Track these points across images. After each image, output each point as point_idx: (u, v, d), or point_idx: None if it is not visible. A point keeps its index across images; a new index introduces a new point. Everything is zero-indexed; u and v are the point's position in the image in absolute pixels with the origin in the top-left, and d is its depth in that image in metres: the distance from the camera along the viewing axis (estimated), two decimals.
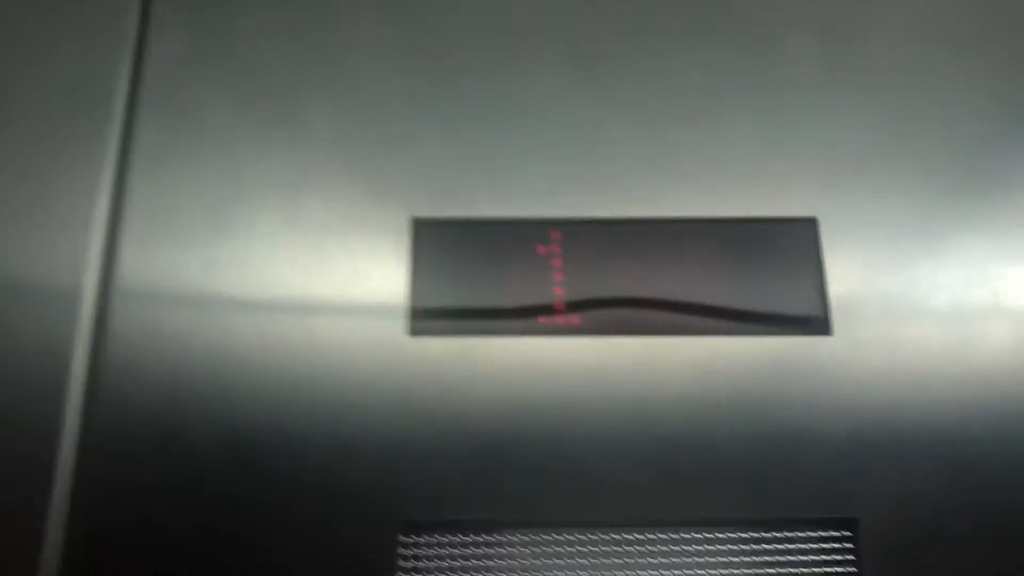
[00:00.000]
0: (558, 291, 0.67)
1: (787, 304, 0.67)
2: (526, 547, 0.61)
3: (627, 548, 0.61)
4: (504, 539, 0.61)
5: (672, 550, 0.61)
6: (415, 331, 0.65)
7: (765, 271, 0.67)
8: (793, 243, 0.68)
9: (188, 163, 0.68)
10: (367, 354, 0.64)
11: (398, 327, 0.65)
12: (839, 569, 0.61)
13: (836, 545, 0.61)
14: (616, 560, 0.61)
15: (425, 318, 0.66)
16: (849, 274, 0.67)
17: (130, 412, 0.62)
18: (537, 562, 0.61)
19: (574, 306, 0.66)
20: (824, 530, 0.62)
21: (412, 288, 0.66)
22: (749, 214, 0.68)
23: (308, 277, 0.66)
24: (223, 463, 0.61)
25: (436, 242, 0.68)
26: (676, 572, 0.61)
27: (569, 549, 0.61)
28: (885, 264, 0.67)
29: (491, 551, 0.61)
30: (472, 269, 0.67)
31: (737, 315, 0.66)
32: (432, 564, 0.61)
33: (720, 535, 0.62)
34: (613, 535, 0.61)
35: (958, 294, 0.67)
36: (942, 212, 0.69)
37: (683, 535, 0.62)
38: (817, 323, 0.66)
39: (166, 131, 0.69)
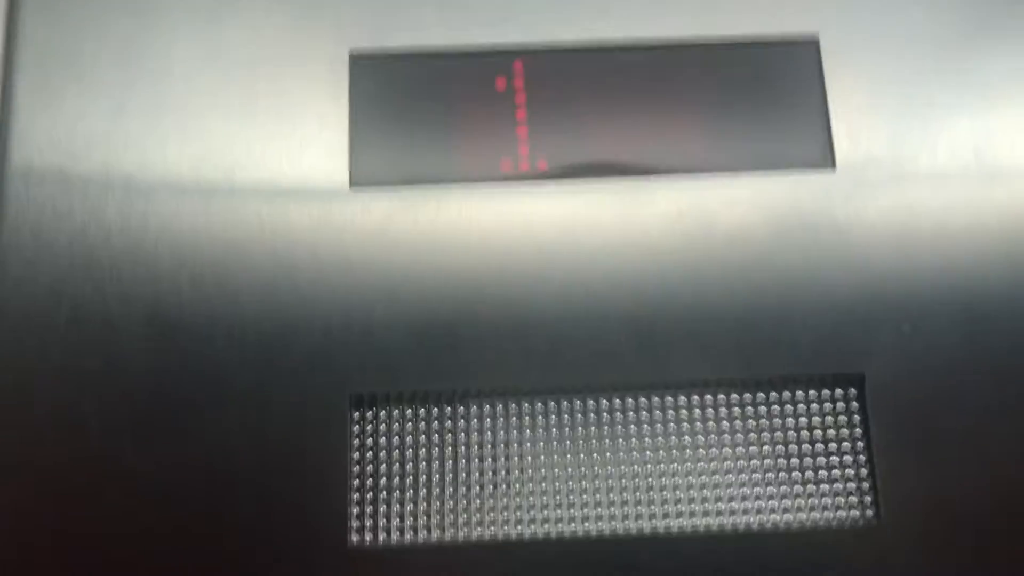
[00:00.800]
0: (522, 131, 0.58)
1: (784, 136, 0.58)
2: (488, 419, 0.54)
3: (606, 415, 0.54)
4: (463, 410, 0.55)
5: (659, 415, 0.54)
6: (357, 182, 0.57)
7: (760, 99, 0.58)
8: (791, 66, 0.59)
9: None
10: (303, 210, 0.56)
11: (337, 178, 0.57)
12: (844, 430, 0.54)
13: (841, 404, 0.54)
14: (594, 428, 0.54)
15: (368, 167, 0.57)
16: (854, 100, 0.58)
17: (38, 287, 0.55)
18: (502, 434, 0.54)
19: (541, 147, 0.58)
20: (828, 388, 0.55)
21: (352, 133, 0.57)
22: (741, 33, 0.59)
23: (232, 123, 0.57)
24: (144, 341, 0.53)
25: (378, 79, 0.58)
26: (664, 439, 0.54)
27: (539, 419, 0.54)
28: (895, 88, 0.58)
29: (449, 424, 0.54)
30: (421, 109, 0.58)
31: (728, 149, 0.57)
32: (385, 440, 0.54)
33: (712, 396, 0.54)
34: (589, 400, 0.54)
35: (980, 122, 0.58)
36: (964, 24, 0.59)
37: (670, 398, 0.54)
38: (819, 156, 0.57)
39: None
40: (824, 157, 0.57)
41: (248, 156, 0.57)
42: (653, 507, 0.53)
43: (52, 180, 0.56)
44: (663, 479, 0.53)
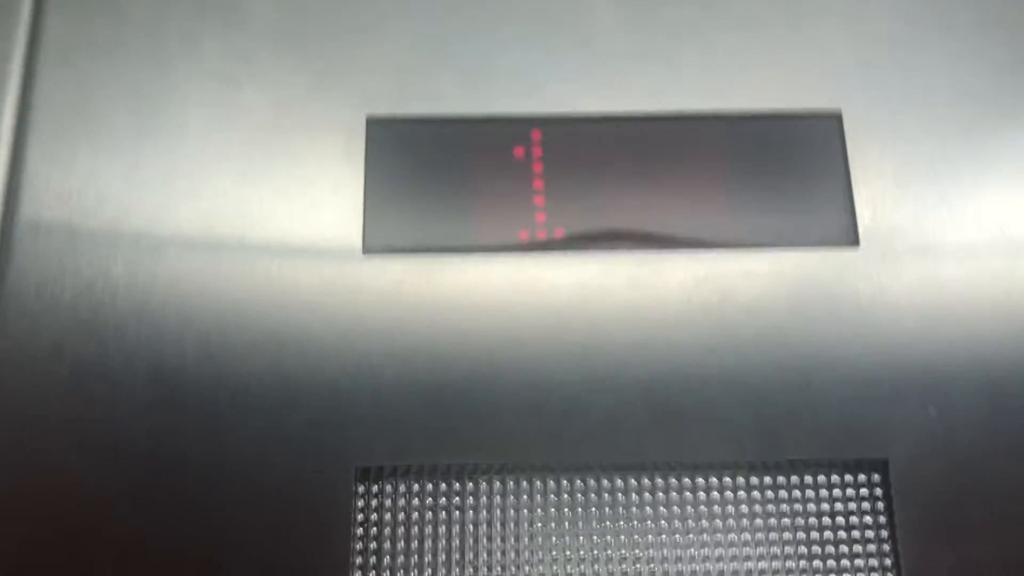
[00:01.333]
0: (539, 200, 0.57)
1: (807, 212, 0.57)
2: (498, 496, 0.52)
3: (620, 495, 0.52)
4: (471, 487, 0.53)
5: (675, 497, 0.52)
6: (370, 248, 0.55)
7: (781, 174, 0.58)
8: (814, 141, 0.58)
9: (107, 54, 0.58)
10: (315, 275, 0.55)
11: (351, 244, 0.56)
12: (868, 517, 0.52)
13: (865, 489, 0.52)
14: (608, 509, 0.52)
15: (382, 233, 0.56)
16: (878, 175, 0.57)
17: (40, 342, 0.53)
18: (512, 513, 0.52)
19: (558, 216, 0.57)
20: (851, 473, 0.53)
21: (367, 198, 0.56)
22: (762, 108, 0.58)
23: (245, 184, 0.56)
24: (147, 404, 0.52)
25: (395, 144, 0.58)
26: (681, 521, 0.52)
27: (551, 497, 0.52)
28: (920, 165, 0.58)
29: (457, 500, 0.52)
30: (437, 176, 0.57)
31: (748, 225, 0.56)
32: (390, 516, 0.52)
33: (731, 479, 0.53)
34: (603, 479, 0.52)
35: (1006, 196, 0.57)
36: (989, 98, 0.59)
37: (687, 479, 0.53)
38: (842, 233, 0.56)
39: (79, 22, 0.59)
40: (847, 233, 0.56)
41: (260, 217, 0.56)
42: None
43: (60, 235, 0.55)
44: (679, 564, 0.51)
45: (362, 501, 0.52)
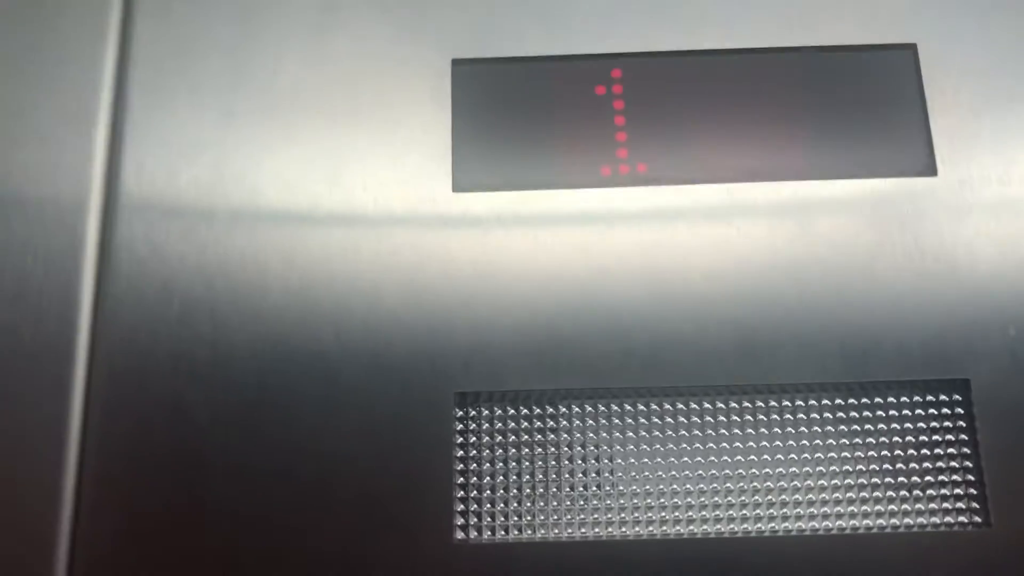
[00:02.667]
0: (621, 136, 0.59)
1: (885, 143, 0.58)
2: (590, 419, 0.55)
3: (708, 418, 0.54)
4: (564, 410, 0.55)
5: (761, 419, 0.54)
6: (459, 186, 0.58)
7: (858, 106, 0.59)
8: (889, 73, 0.59)
9: (202, 4, 0.61)
10: (407, 214, 0.57)
11: (441, 183, 0.58)
12: (950, 436, 0.54)
13: (947, 409, 0.54)
14: (696, 432, 0.54)
15: (470, 172, 0.58)
16: (955, 106, 0.58)
17: (150, 283, 0.56)
18: (604, 435, 0.54)
19: (640, 153, 0.58)
20: (932, 393, 0.54)
21: (454, 139, 0.58)
22: (838, 41, 0.59)
23: (338, 129, 0.58)
24: (253, 340, 0.54)
25: (480, 86, 0.60)
26: (769, 443, 0.53)
27: (640, 421, 0.54)
28: (996, 93, 0.58)
29: (551, 423, 0.55)
30: (522, 115, 0.59)
31: (828, 156, 0.58)
32: (488, 439, 0.54)
33: (817, 401, 0.54)
34: (690, 404, 0.54)
35: None
36: None
37: (773, 402, 0.54)
38: (920, 163, 0.57)
39: None
40: (925, 163, 0.57)
41: (353, 159, 0.58)
42: (758, 510, 0.53)
43: (164, 180, 0.57)
44: (767, 482, 0.53)
45: (461, 425, 0.54)
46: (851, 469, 0.53)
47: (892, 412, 0.54)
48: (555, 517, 0.53)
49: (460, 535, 0.52)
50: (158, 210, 0.57)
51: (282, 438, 0.53)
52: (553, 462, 0.54)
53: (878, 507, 0.53)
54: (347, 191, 0.57)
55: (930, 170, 0.57)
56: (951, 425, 0.54)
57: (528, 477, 0.54)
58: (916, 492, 0.53)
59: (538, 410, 0.55)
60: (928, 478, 0.53)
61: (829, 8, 0.60)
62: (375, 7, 0.60)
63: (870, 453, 0.54)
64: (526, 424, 0.55)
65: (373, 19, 0.60)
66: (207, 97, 0.59)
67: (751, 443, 0.54)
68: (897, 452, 0.54)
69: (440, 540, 0.52)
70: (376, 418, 0.53)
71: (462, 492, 0.53)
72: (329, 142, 0.58)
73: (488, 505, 0.53)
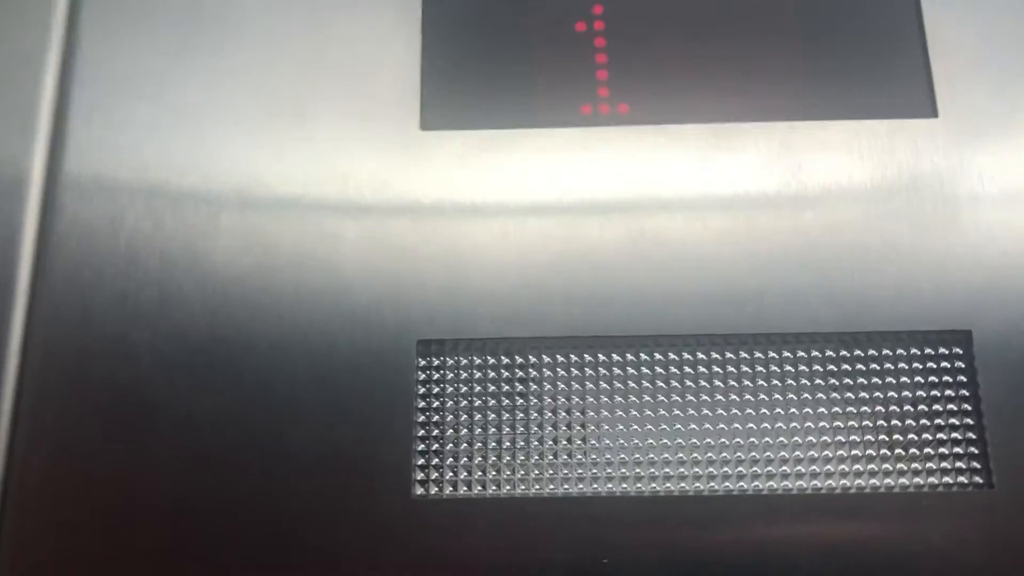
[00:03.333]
0: (602, 74, 0.55)
1: (883, 82, 0.54)
2: (561, 370, 0.51)
3: (688, 369, 0.50)
4: (534, 360, 0.51)
5: (747, 371, 0.50)
6: (429, 124, 0.54)
7: (854, 45, 0.55)
8: (889, 11, 0.56)
9: None
10: (374, 153, 0.54)
11: (408, 120, 0.54)
12: (950, 391, 0.50)
13: (947, 364, 0.50)
14: (675, 383, 0.50)
15: (440, 109, 0.54)
16: (957, 49, 0.55)
17: (97, 220, 0.52)
18: (576, 386, 0.51)
19: (622, 92, 0.55)
20: (932, 346, 0.50)
21: (424, 74, 0.55)
22: None
23: (303, 64, 0.55)
24: (204, 281, 0.51)
25: (452, 17, 0.56)
26: (753, 396, 0.50)
27: (615, 372, 0.51)
28: (999, 36, 0.55)
29: (519, 373, 0.51)
30: (496, 51, 0.56)
31: (822, 96, 0.54)
32: (452, 389, 0.51)
33: (806, 353, 0.51)
34: (670, 355, 0.51)
35: None
36: None
37: (759, 354, 0.50)
38: (920, 103, 0.54)
39: None
40: (925, 104, 0.54)
41: (318, 95, 0.54)
42: (741, 467, 0.49)
43: (116, 117, 0.54)
44: (751, 438, 0.49)
45: (423, 375, 0.50)
46: (843, 425, 0.49)
47: (888, 365, 0.50)
48: (522, 473, 0.49)
49: (419, 490, 0.48)
50: (108, 147, 0.54)
51: (231, 384, 0.49)
52: (521, 415, 0.50)
53: (872, 466, 0.49)
54: (309, 128, 0.54)
55: (930, 111, 0.53)
56: (951, 380, 0.50)
57: (494, 430, 0.50)
58: (914, 451, 0.49)
59: (507, 360, 0.51)
60: (927, 436, 0.49)
61: None
62: None
63: (864, 409, 0.50)
64: (494, 375, 0.51)
65: None
66: (161, 31, 0.56)
67: (735, 396, 0.50)
68: (893, 408, 0.50)
69: (398, 495, 0.48)
70: (333, 366, 0.50)
71: (423, 445, 0.49)
72: (291, 78, 0.55)
73: (450, 459, 0.49)
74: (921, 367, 0.50)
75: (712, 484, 0.49)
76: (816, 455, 0.49)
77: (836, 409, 0.50)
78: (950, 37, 0.55)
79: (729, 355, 0.51)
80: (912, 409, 0.50)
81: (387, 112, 0.54)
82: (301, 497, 0.48)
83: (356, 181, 0.53)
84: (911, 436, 0.49)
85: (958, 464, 0.49)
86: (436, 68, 0.55)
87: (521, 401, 0.50)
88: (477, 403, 0.50)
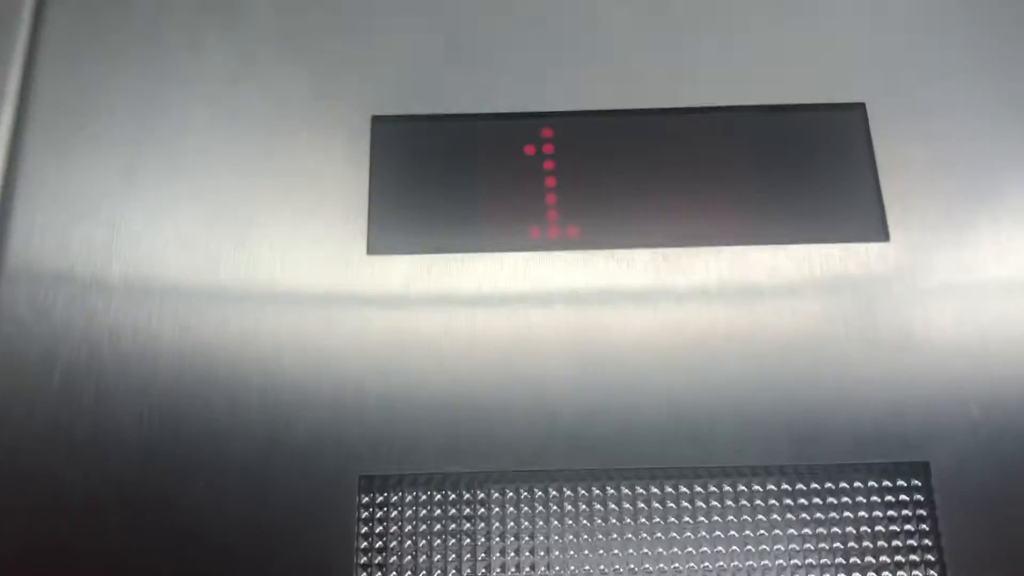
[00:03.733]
0: (551, 198, 0.55)
1: (833, 206, 0.54)
2: (510, 506, 0.49)
3: (641, 504, 0.49)
4: (483, 496, 0.49)
5: (701, 505, 0.49)
6: (375, 249, 0.53)
7: (804, 167, 0.55)
8: (837, 133, 0.56)
9: (108, 55, 0.57)
10: (318, 277, 0.52)
11: (354, 245, 0.53)
12: (909, 525, 0.48)
13: (905, 495, 0.49)
14: (628, 520, 0.49)
15: (387, 233, 0.54)
16: (907, 169, 0.54)
17: (30, 350, 0.51)
18: (525, 524, 0.49)
19: (571, 214, 0.54)
20: (889, 478, 0.49)
21: (371, 198, 0.54)
22: (780, 100, 0.56)
23: (248, 186, 0.54)
24: (140, 414, 0.49)
25: (401, 144, 0.56)
26: (708, 532, 0.48)
27: (567, 507, 0.49)
28: (950, 155, 0.55)
29: (467, 510, 0.49)
30: (444, 176, 0.55)
31: (772, 220, 0.54)
32: (397, 528, 0.49)
33: (760, 487, 0.49)
34: (622, 488, 0.49)
35: None
36: (1019, 86, 0.56)
37: (713, 487, 0.49)
38: (871, 227, 0.53)
39: (82, 18, 0.58)
40: (877, 228, 0.53)
41: (263, 217, 0.53)
42: None
43: (56, 237, 0.53)
44: (708, 573, 0.48)
45: (367, 512, 0.48)
46: (800, 562, 0.48)
47: (845, 499, 0.49)
48: None
49: None
50: (46, 271, 0.52)
51: (164, 526, 0.47)
52: (468, 554, 0.48)
53: None
54: (252, 252, 0.53)
55: (882, 235, 0.53)
56: (910, 513, 0.48)
57: (439, 572, 0.48)
58: None
59: (453, 495, 0.49)
60: (886, 573, 0.48)
61: (772, 66, 0.57)
62: (292, 60, 0.57)
63: (821, 544, 0.48)
64: (439, 511, 0.49)
65: (289, 72, 0.57)
66: (109, 150, 0.55)
67: (689, 532, 0.48)
68: (851, 543, 0.48)
69: None
70: (271, 504, 0.48)
71: None
72: (236, 200, 0.54)
73: None
74: (879, 500, 0.49)
75: None
76: None
77: (793, 545, 0.48)
78: (900, 159, 0.55)
79: (683, 488, 0.49)
80: (871, 544, 0.48)
81: (333, 235, 0.54)
82: None
83: (298, 305, 0.52)
84: (871, 572, 0.48)
85: None
86: (384, 191, 0.54)
87: (468, 540, 0.48)
88: (422, 542, 0.48)
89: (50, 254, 0.53)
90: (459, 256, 0.53)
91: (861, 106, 0.56)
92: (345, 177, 0.55)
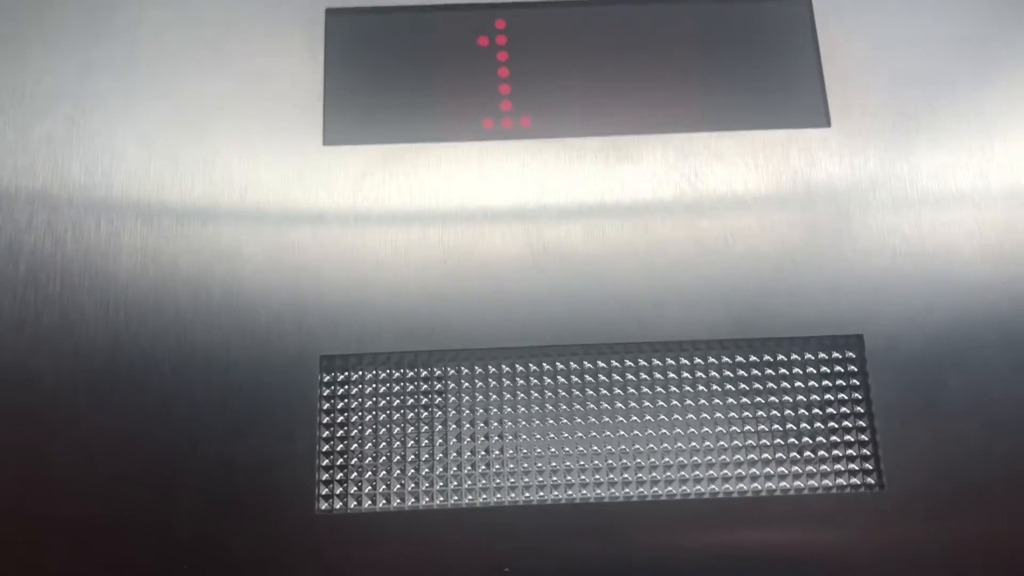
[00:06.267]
0: (504, 88, 0.56)
1: (777, 93, 0.56)
2: (464, 382, 0.51)
3: (588, 378, 0.51)
4: (438, 372, 0.51)
5: (645, 378, 0.51)
6: (331, 139, 0.54)
7: (749, 57, 0.56)
8: (782, 23, 0.57)
9: None
10: (274, 169, 0.54)
11: (311, 135, 0.54)
12: (843, 394, 0.51)
13: (839, 367, 0.51)
14: (576, 392, 0.51)
15: (342, 124, 0.55)
16: (849, 56, 0.56)
17: None
18: (480, 398, 0.51)
19: (524, 105, 0.56)
20: (825, 351, 0.52)
21: (326, 90, 0.55)
22: None
23: (205, 82, 0.55)
24: (103, 302, 0.51)
25: (355, 35, 0.56)
26: (652, 403, 0.50)
27: (518, 382, 0.51)
28: (891, 41, 0.56)
29: (424, 386, 0.51)
30: (398, 66, 0.56)
31: (718, 108, 0.55)
32: (357, 403, 0.51)
33: (702, 360, 0.52)
34: (570, 364, 0.51)
35: (980, 81, 0.56)
36: None
37: (657, 361, 0.51)
38: (813, 113, 0.55)
39: None
40: (819, 114, 0.55)
41: (219, 112, 0.54)
42: (640, 474, 0.50)
43: (14, 135, 0.54)
44: (650, 444, 0.50)
45: (328, 390, 0.51)
46: (739, 430, 0.51)
47: (782, 371, 0.51)
48: (426, 485, 0.50)
49: (323, 505, 0.49)
50: (7, 166, 0.53)
51: (132, 404, 0.49)
52: (425, 427, 0.51)
53: (767, 469, 0.50)
54: (211, 145, 0.54)
55: (823, 120, 0.55)
56: (844, 384, 0.51)
57: (398, 444, 0.50)
58: (807, 454, 0.50)
59: (410, 373, 0.51)
60: (820, 439, 0.50)
61: None
62: None
63: (759, 413, 0.51)
64: (398, 388, 0.51)
65: None
66: (64, 50, 0.55)
67: (633, 404, 0.51)
68: (788, 412, 0.51)
69: (301, 511, 0.48)
70: (234, 383, 0.50)
71: (327, 460, 0.50)
72: (193, 94, 0.55)
73: (355, 474, 0.50)
74: (815, 371, 0.52)
75: (613, 491, 0.49)
76: (712, 460, 0.50)
77: (732, 415, 0.51)
78: (842, 47, 0.56)
79: (628, 363, 0.52)
80: (806, 413, 0.51)
81: (289, 127, 0.55)
82: (202, 515, 0.48)
83: (257, 195, 0.53)
84: (805, 440, 0.50)
85: (851, 466, 0.50)
86: (338, 83, 0.55)
87: (425, 414, 0.51)
88: (381, 417, 0.51)
89: (11, 149, 0.54)
90: (413, 146, 0.54)
91: None
92: (300, 70, 0.55)
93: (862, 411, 0.51)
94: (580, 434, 0.50)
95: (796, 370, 0.52)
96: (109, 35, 0.56)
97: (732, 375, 0.51)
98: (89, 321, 0.51)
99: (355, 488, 0.49)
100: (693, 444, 0.50)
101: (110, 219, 0.53)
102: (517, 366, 0.51)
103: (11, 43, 0.55)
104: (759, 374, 0.51)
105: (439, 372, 0.51)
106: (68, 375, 0.50)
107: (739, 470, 0.50)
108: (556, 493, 0.49)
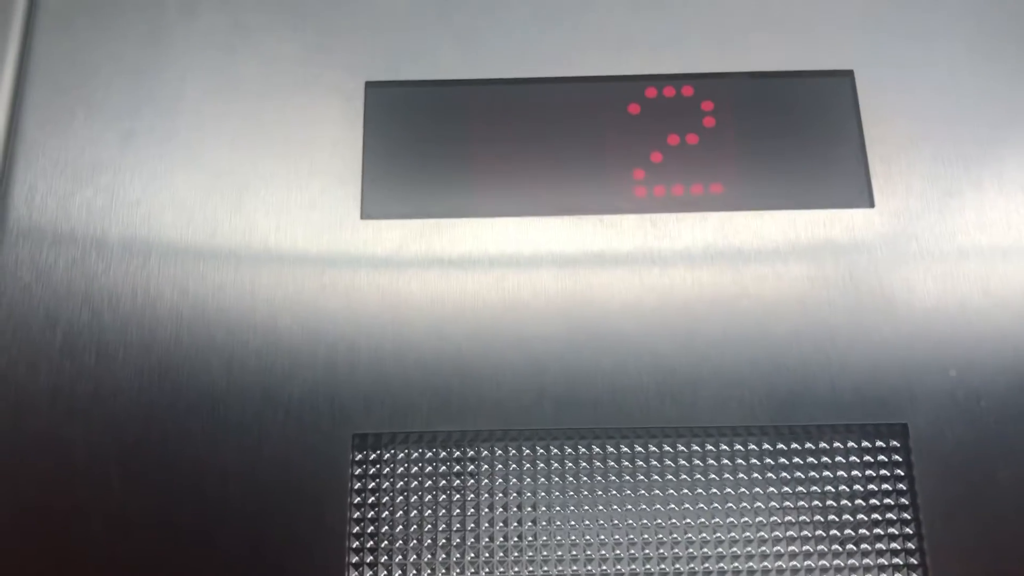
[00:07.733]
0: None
1: (819, 172, 0.55)
2: (499, 464, 0.51)
3: (625, 462, 0.50)
4: (473, 454, 0.51)
5: (683, 464, 0.50)
6: (368, 213, 0.54)
7: (792, 134, 0.56)
8: (826, 101, 0.56)
9: (105, 23, 0.58)
10: (311, 242, 0.54)
11: (348, 209, 0.54)
12: (887, 485, 0.49)
13: (883, 456, 0.50)
14: (613, 477, 0.50)
15: (380, 198, 0.55)
16: (892, 135, 0.55)
17: (33, 311, 0.52)
18: (514, 481, 0.50)
19: (567, 181, 0.55)
20: (868, 439, 0.50)
21: (365, 164, 0.55)
22: (770, 67, 0.57)
23: (243, 152, 0.55)
24: (139, 374, 0.51)
25: (394, 109, 0.56)
26: (690, 489, 0.49)
27: (554, 465, 0.50)
28: (935, 122, 0.55)
29: (457, 468, 0.51)
30: (437, 141, 0.56)
31: (759, 186, 0.54)
32: (389, 484, 0.50)
33: (742, 446, 0.50)
34: (607, 447, 0.50)
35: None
36: (1003, 55, 0.57)
37: (696, 446, 0.50)
38: (856, 193, 0.54)
39: None
40: (862, 194, 0.54)
41: (257, 183, 0.54)
42: (678, 564, 0.48)
43: (55, 204, 0.54)
44: (688, 533, 0.49)
45: (360, 469, 0.50)
46: (779, 520, 0.49)
47: (824, 459, 0.50)
48: (458, 571, 0.49)
49: None
50: (47, 235, 0.54)
51: (163, 480, 0.49)
52: (458, 510, 0.50)
53: (808, 562, 0.48)
54: (248, 218, 0.54)
55: (867, 201, 0.54)
56: (888, 473, 0.50)
57: (430, 527, 0.49)
58: (850, 545, 0.49)
59: (443, 453, 0.51)
60: (863, 530, 0.49)
61: (764, 32, 0.57)
62: (286, 27, 0.58)
63: (800, 503, 0.49)
64: (430, 468, 0.50)
65: (284, 39, 0.57)
66: (107, 118, 0.56)
67: (671, 490, 0.50)
68: (830, 502, 0.49)
69: None
70: (266, 461, 0.49)
71: (357, 543, 0.49)
72: (232, 166, 0.55)
73: (385, 557, 0.49)
74: (858, 460, 0.50)
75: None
76: (751, 551, 0.49)
77: (773, 503, 0.49)
78: (886, 126, 0.55)
79: (667, 447, 0.51)
80: (849, 503, 0.49)
81: (327, 200, 0.54)
82: None
83: (293, 269, 0.53)
84: (848, 531, 0.49)
85: (895, 560, 0.48)
86: (377, 157, 0.55)
87: (458, 496, 0.50)
88: (413, 499, 0.50)
89: (51, 218, 0.54)
90: (451, 221, 0.54)
91: (849, 73, 0.56)
92: (339, 143, 0.55)
93: (907, 503, 0.49)
94: (616, 520, 0.49)
95: (839, 458, 0.50)
96: (151, 106, 0.56)
97: (773, 462, 0.50)
98: (123, 392, 0.51)
99: (385, 572, 0.49)
100: (732, 534, 0.49)
101: (147, 289, 0.53)
102: (551, 448, 0.51)
103: (56, 111, 0.56)
104: (800, 461, 0.50)
105: (471, 453, 0.51)
106: (100, 446, 0.50)
107: (779, 562, 0.48)
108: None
